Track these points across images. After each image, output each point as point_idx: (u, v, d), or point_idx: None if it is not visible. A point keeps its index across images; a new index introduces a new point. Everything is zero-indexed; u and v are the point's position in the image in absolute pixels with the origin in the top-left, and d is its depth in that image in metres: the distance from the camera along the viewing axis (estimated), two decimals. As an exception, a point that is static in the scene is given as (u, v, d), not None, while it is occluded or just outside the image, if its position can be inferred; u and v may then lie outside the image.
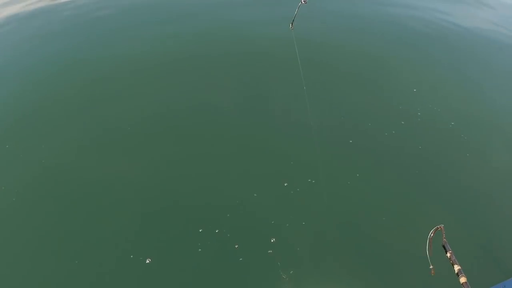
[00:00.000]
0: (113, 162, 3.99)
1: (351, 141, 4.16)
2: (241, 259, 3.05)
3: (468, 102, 5.02)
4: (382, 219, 3.43)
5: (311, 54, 5.39)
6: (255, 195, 3.56)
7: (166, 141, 4.24)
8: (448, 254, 1.79)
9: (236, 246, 3.17)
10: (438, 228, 1.90)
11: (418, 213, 3.54)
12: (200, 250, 3.19)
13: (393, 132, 4.34)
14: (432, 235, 1.90)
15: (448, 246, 1.83)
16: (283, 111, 4.59)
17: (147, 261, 3.10)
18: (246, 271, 2.98)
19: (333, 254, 3.14)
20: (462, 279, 1.64)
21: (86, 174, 3.86)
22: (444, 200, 3.69)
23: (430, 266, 1.87)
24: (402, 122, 4.45)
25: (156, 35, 6.10)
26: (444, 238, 1.87)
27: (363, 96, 4.88)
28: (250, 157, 4.00)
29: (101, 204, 3.58)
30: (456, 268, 1.70)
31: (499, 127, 4.67)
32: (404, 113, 4.59)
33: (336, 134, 4.27)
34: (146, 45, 5.82)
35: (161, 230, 3.37)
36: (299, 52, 3.43)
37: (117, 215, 3.48)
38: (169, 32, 6.17)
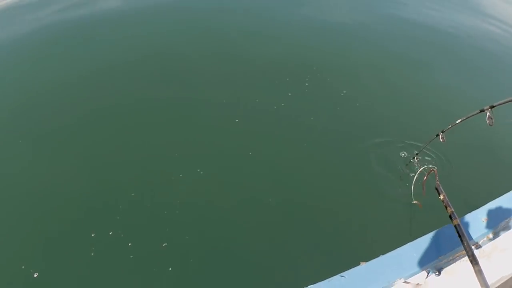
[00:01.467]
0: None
1: (237, 120, 4.19)
2: (131, 256, 3.00)
3: (357, 69, 5.28)
4: (268, 200, 3.49)
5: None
6: (132, 194, 3.46)
7: (48, 144, 3.99)
8: (441, 197, 1.79)
9: (130, 244, 3.14)
10: (431, 170, 1.92)
11: (311, 178, 3.72)
12: (93, 254, 3.09)
13: (282, 104, 4.50)
14: (425, 178, 1.94)
15: (441, 189, 1.83)
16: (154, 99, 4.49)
17: (35, 275, 2.94)
18: (137, 267, 2.95)
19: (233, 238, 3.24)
20: (455, 221, 1.65)
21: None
22: (342, 165, 3.90)
23: (413, 201, 1.94)
24: (289, 94, 4.61)
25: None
26: (437, 180, 1.86)
27: (246, 73, 4.90)
28: (127, 157, 3.86)
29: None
30: (449, 210, 1.70)
31: (387, 91, 4.98)
32: (291, 85, 4.73)
33: (222, 116, 4.25)
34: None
35: (50, 239, 3.20)
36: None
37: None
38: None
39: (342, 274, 1.55)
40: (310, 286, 1.50)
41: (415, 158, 3.36)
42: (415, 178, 1.97)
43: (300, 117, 4.35)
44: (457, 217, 1.66)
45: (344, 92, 4.79)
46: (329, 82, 4.94)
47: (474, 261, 1.45)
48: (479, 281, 1.39)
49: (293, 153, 3.98)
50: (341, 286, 1.49)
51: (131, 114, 4.30)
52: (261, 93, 4.60)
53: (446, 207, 1.73)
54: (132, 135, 4.07)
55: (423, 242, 1.73)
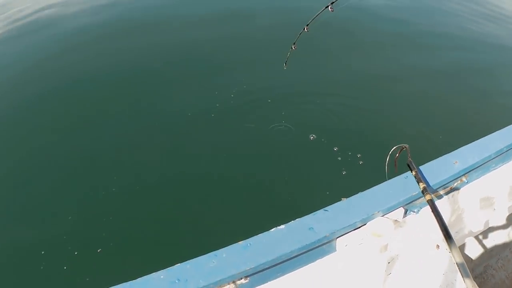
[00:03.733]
0: None
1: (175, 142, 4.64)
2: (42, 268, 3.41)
3: (273, 78, 5.59)
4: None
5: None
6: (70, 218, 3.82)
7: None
8: (413, 173, 1.80)
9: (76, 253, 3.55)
10: (403, 148, 1.90)
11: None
12: (42, 267, 3.45)
13: (212, 115, 5.01)
14: (397, 155, 1.90)
15: (413, 165, 1.83)
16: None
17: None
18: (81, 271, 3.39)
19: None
20: (427, 197, 1.65)
21: None
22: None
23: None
24: (217, 105, 5.11)
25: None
26: (409, 157, 1.87)
27: (175, 89, 5.42)
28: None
29: None
30: (421, 186, 1.71)
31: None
32: (219, 97, 5.23)
33: (154, 134, 4.71)
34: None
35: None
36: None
37: None
38: None
39: (326, 208, 1.68)
40: (297, 219, 1.63)
41: (306, 28, 3.09)
42: (387, 159, 1.93)
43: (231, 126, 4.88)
44: (429, 192, 1.67)
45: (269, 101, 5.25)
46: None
47: (448, 237, 1.49)
48: (453, 255, 1.44)
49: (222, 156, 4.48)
50: (325, 218, 1.63)
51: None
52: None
53: (418, 182, 1.75)
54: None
55: (400, 180, 1.81)
